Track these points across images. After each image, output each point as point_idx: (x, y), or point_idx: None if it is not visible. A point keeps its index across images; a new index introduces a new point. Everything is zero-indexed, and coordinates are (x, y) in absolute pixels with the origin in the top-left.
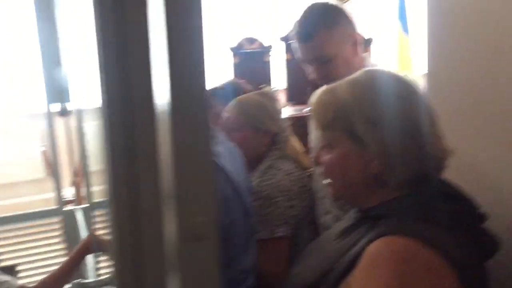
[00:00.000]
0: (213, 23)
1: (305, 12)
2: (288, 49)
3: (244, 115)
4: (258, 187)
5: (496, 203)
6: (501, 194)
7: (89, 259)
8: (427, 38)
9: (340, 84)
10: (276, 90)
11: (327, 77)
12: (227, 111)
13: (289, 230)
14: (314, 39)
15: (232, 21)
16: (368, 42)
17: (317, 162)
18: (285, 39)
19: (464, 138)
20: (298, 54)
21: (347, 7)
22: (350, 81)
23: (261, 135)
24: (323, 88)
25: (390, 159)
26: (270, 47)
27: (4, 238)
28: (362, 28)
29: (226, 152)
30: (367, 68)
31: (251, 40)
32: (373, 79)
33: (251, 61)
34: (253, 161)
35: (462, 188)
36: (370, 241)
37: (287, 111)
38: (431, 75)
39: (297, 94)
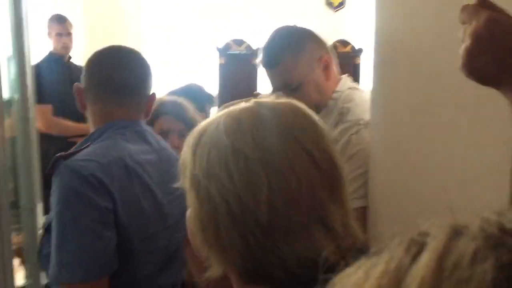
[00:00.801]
0: (201, 23)
1: (270, 37)
2: None
3: None
4: None
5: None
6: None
7: None
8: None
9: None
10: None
11: None
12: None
13: None
14: (280, 65)
15: (221, 21)
16: (358, 52)
17: None
18: None
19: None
20: (270, 81)
21: (335, 18)
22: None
23: None
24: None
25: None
26: (258, 50)
27: None
28: (354, 38)
29: (157, 162)
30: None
31: (239, 42)
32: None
33: (237, 63)
34: None
35: None
36: None
37: None
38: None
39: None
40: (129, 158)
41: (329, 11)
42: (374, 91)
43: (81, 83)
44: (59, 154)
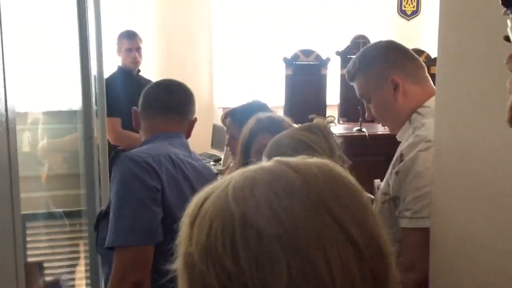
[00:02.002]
0: (269, 33)
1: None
2: (343, 63)
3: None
4: None
5: None
6: None
7: None
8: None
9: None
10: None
11: (373, 116)
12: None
13: None
14: (355, 81)
15: (290, 32)
16: (434, 61)
17: None
18: (341, 53)
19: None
20: None
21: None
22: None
23: None
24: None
25: None
26: (328, 59)
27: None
28: (429, 46)
29: (194, 166)
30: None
31: (308, 52)
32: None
33: (305, 74)
34: None
35: None
36: None
37: (337, 129)
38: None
39: (350, 111)
40: (173, 155)
41: (403, 20)
42: (439, 103)
43: (137, 107)
44: (119, 148)
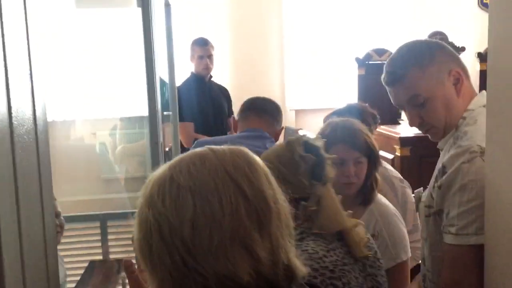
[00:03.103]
0: (339, 34)
1: (395, 51)
2: None
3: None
4: None
5: None
6: None
7: None
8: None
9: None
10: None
11: (424, 122)
12: None
13: None
14: (405, 79)
15: (360, 31)
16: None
17: None
18: None
19: None
20: (392, 99)
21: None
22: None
23: None
24: None
25: None
26: None
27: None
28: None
29: None
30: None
31: (381, 51)
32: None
33: (379, 73)
34: None
35: None
36: None
37: (410, 129)
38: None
39: None
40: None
41: (484, 13)
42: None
43: (236, 116)
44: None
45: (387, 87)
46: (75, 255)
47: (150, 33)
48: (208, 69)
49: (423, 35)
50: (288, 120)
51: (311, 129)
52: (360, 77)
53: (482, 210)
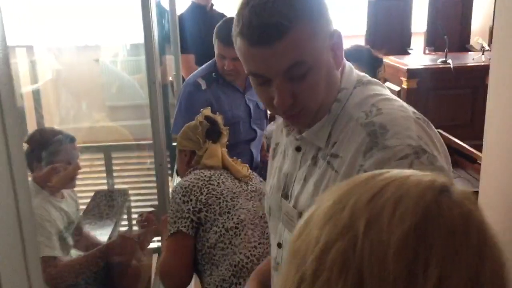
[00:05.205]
0: None
1: None
2: None
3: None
4: None
5: None
6: None
7: None
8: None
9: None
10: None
11: (296, 102)
12: None
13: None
14: (288, 36)
15: None
16: None
17: None
18: None
19: None
20: (245, 67)
21: None
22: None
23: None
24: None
25: None
26: None
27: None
28: None
29: None
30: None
31: None
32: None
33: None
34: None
35: None
36: None
37: (421, 60)
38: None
39: (438, 40)
40: None
41: None
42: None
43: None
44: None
45: (252, 48)
46: (80, 184)
47: None
48: None
49: None
50: None
51: None
52: (370, 3)
53: None
